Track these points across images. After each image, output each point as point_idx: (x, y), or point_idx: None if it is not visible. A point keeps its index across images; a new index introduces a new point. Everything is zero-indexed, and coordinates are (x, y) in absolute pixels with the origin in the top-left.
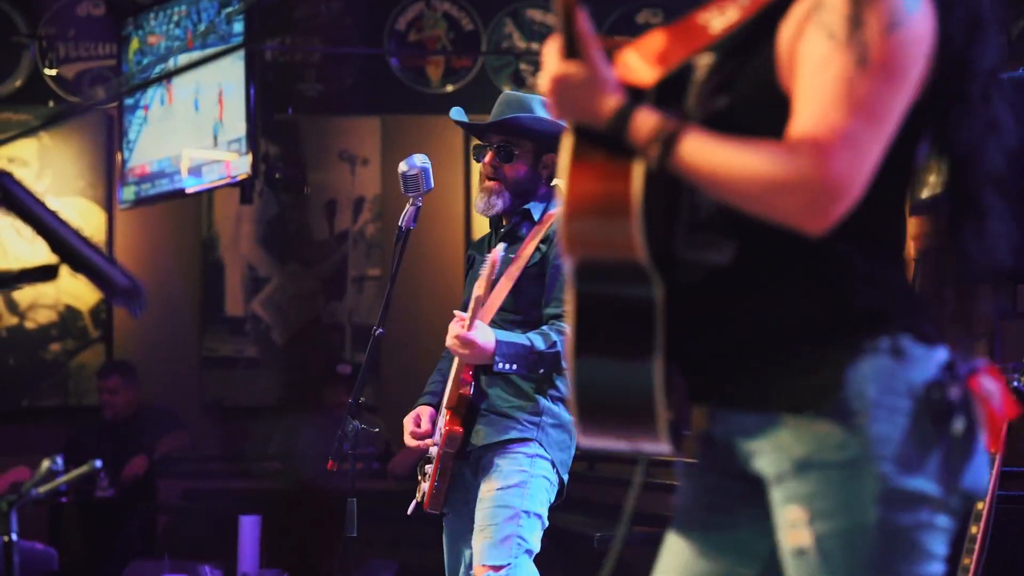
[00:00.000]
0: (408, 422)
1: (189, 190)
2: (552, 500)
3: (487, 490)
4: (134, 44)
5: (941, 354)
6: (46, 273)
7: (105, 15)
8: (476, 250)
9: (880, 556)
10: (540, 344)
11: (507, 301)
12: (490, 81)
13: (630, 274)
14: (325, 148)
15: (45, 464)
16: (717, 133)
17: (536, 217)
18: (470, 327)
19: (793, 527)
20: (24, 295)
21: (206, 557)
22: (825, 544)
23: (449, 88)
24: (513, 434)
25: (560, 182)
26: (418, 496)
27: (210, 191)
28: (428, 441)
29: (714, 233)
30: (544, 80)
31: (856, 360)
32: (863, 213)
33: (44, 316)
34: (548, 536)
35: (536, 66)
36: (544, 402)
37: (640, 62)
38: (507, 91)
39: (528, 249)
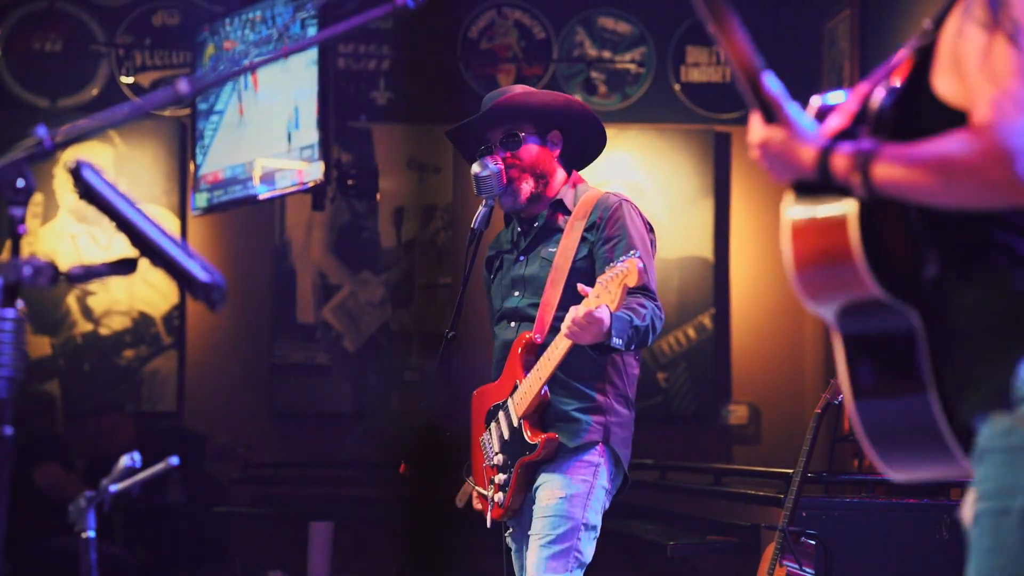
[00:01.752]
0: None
1: (261, 196)
2: (615, 494)
3: (549, 497)
4: (209, 50)
5: None
6: (126, 266)
7: (180, 23)
8: (497, 250)
9: (1019, 542)
10: (636, 320)
11: (563, 299)
12: (561, 89)
13: (881, 308)
14: (395, 156)
15: (123, 461)
16: (905, 144)
17: (569, 207)
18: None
19: (967, 507)
20: (99, 302)
21: (278, 563)
22: (980, 523)
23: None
24: (584, 438)
25: (783, 236)
26: (483, 506)
27: (282, 198)
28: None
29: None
30: (752, 151)
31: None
32: None
33: (118, 323)
34: (621, 544)
35: (607, 74)
36: (607, 401)
37: (841, 110)
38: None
39: (571, 241)
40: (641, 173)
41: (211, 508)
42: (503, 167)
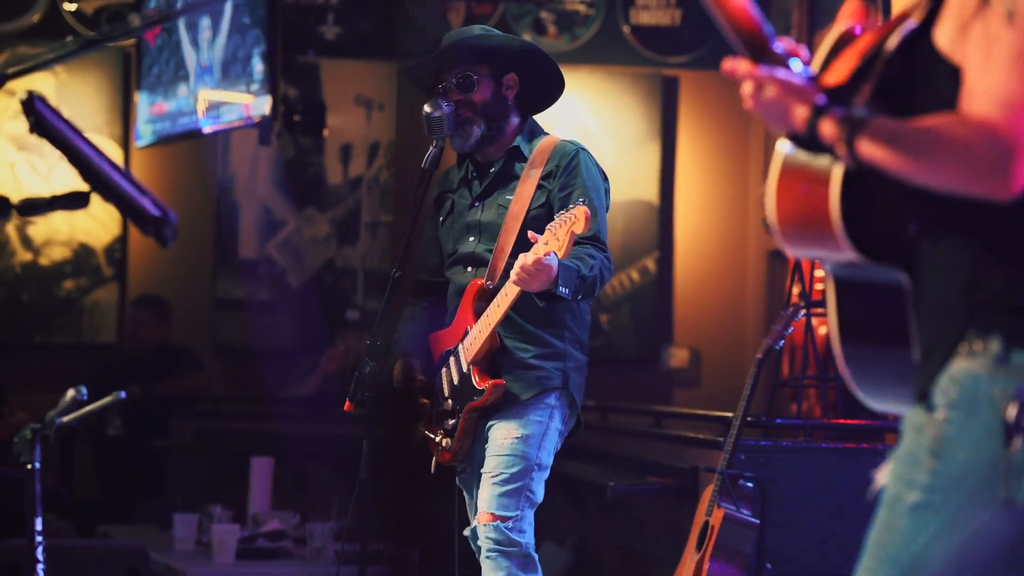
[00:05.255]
0: (400, 374)
1: (207, 130)
2: (567, 435)
3: (503, 436)
4: None
5: None
6: (77, 200)
7: None
8: (445, 188)
9: (907, 528)
10: (584, 269)
11: (516, 246)
12: (510, 28)
13: (868, 264)
14: (343, 92)
15: (70, 394)
16: (897, 119)
17: (526, 153)
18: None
19: (882, 470)
20: (38, 231)
21: (217, 498)
22: (883, 495)
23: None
24: (543, 386)
25: (769, 183)
26: (435, 451)
27: (227, 132)
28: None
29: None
30: (746, 101)
31: (956, 358)
32: None
33: (58, 253)
34: (561, 485)
35: (557, 14)
36: (564, 347)
37: (842, 60)
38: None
39: (527, 189)
40: (589, 115)
41: (150, 442)
42: (455, 108)
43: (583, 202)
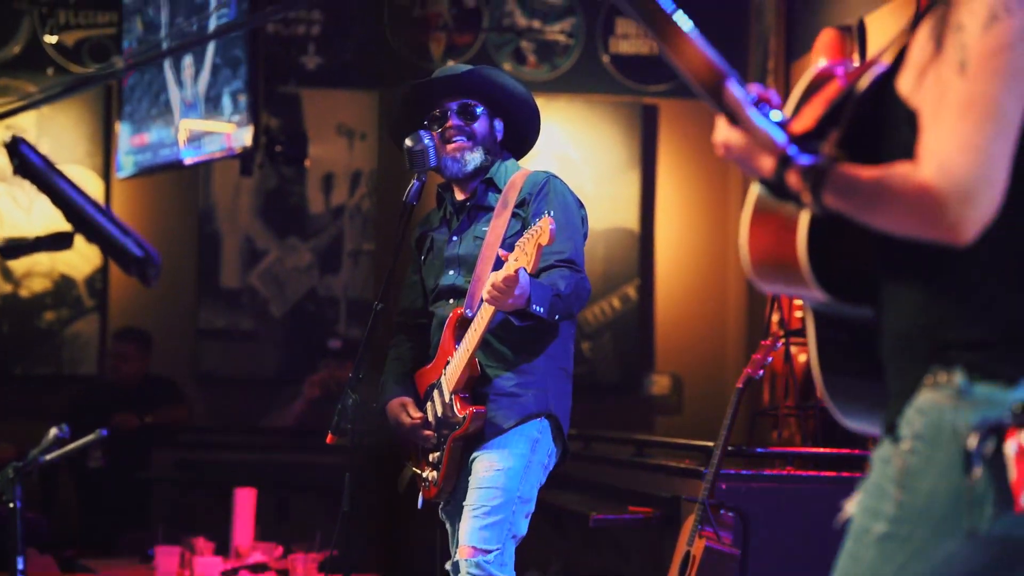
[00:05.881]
0: (402, 415)
1: (188, 161)
2: (554, 466)
3: (486, 469)
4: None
5: (1017, 394)
6: (60, 241)
7: None
8: (426, 229)
9: (873, 560)
10: (559, 287)
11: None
12: (491, 58)
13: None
14: (324, 121)
15: (52, 432)
16: (861, 165)
17: (500, 186)
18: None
19: (851, 501)
20: (19, 262)
21: (199, 529)
22: (851, 525)
23: (450, 64)
24: (525, 412)
25: (743, 222)
26: (422, 486)
27: (209, 162)
28: (428, 435)
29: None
30: (718, 150)
31: (922, 390)
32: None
33: (39, 284)
34: (544, 514)
35: (537, 44)
36: (545, 372)
37: (811, 106)
38: (446, 66)
39: (502, 218)
40: (569, 144)
41: (132, 473)
42: (437, 142)
43: (548, 214)
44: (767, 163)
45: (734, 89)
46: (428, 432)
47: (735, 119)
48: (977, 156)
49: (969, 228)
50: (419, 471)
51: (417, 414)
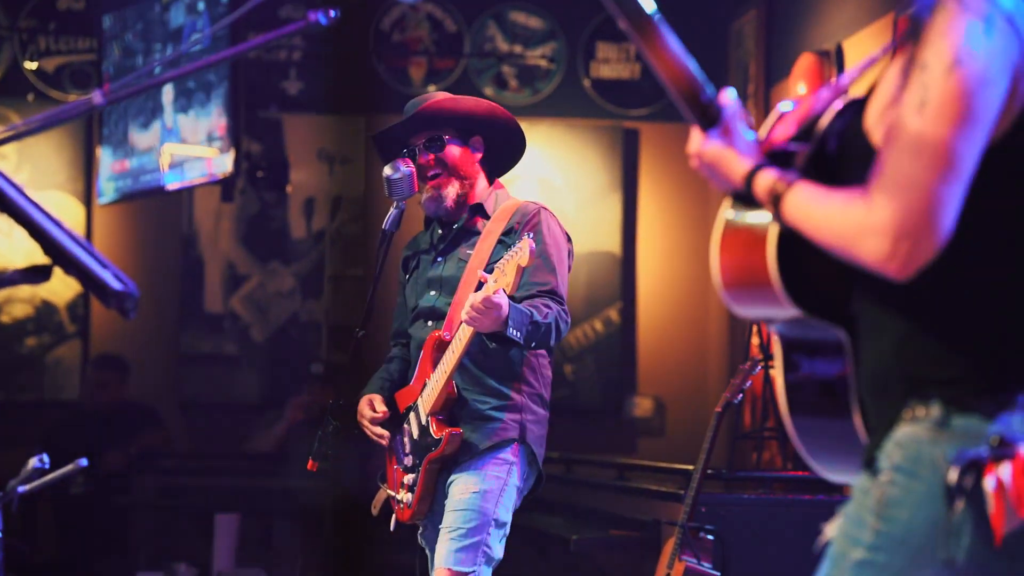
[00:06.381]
0: (365, 407)
1: (170, 187)
2: (527, 492)
3: (462, 491)
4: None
5: (995, 427)
6: (38, 274)
7: (85, 8)
8: (414, 250)
9: None
10: (538, 316)
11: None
12: (472, 83)
13: (811, 321)
14: (305, 146)
15: (31, 462)
16: (823, 185)
17: (489, 212)
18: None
19: (831, 525)
20: None
21: (182, 555)
22: (829, 549)
23: (432, 89)
24: (500, 436)
25: (712, 245)
26: (396, 508)
27: (190, 188)
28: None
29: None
30: (691, 159)
31: (900, 424)
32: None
33: (20, 310)
34: (525, 537)
35: (518, 68)
36: (522, 399)
37: (782, 126)
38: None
39: (487, 244)
40: (551, 168)
41: (113, 499)
42: (414, 170)
43: (529, 236)
44: (737, 172)
45: (710, 97)
46: (382, 432)
47: (709, 126)
48: (922, 195)
49: (906, 265)
50: (393, 493)
51: (382, 409)
